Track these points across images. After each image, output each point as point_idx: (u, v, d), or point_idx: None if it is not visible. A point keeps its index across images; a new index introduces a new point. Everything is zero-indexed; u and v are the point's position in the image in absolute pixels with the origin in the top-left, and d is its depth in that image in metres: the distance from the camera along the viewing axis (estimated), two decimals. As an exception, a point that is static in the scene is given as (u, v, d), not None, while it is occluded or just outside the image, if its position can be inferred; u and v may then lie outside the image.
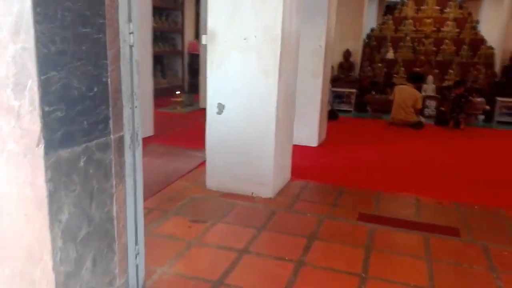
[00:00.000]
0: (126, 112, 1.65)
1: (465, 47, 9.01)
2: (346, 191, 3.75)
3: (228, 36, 3.33)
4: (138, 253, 1.81)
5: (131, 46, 1.59)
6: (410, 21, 9.50)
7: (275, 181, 3.57)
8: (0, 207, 1.24)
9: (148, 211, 2.88)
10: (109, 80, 1.51)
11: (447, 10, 9.37)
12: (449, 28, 9.22)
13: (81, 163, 1.46)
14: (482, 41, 8.99)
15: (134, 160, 1.75)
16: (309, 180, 4.01)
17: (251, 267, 2.25)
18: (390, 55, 9.42)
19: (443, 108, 7.60)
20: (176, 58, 10.86)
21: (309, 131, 5.20)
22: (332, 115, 6.82)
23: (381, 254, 2.45)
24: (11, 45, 1.13)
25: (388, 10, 10.81)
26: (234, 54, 3.34)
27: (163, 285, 2.07)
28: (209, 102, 3.54)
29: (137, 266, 1.81)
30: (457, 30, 9.21)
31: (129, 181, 1.73)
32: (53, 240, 1.34)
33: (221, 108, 3.49)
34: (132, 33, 1.58)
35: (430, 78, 8.53)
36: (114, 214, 1.66)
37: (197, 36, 10.91)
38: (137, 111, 1.71)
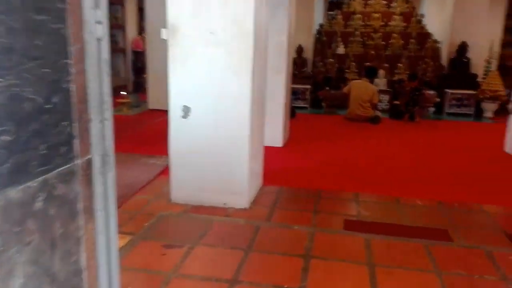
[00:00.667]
0: (95, 127, 1.25)
1: (412, 41, 9.20)
2: (323, 195, 3.51)
3: (192, 29, 2.94)
4: (115, 307, 1.41)
5: (99, 40, 1.19)
6: (359, 15, 9.54)
7: (250, 189, 3.25)
8: None
9: (110, 237, 2.43)
10: (72, 86, 1.11)
11: (394, 4, 9.52)
12: (396, 22, 9.38)
13: (39, 204, 1.04)
14: (428, 35, 9.23)
15: (105, 189, 1.35)
16: (282, 185, 3.73)
17: (245, 300, 1.92)
18: (341, 50, 9.41)
19: (397, 102, 7.68)
20: (118, 56, 10.13)
21: (273, 131, 4.92)
22: (290, 113, 6.60)
23: (389, 272, 2.20)
24: None
25: (335, 5, 10.82)
26: (200, 50, 2.96)
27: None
28: (173, 104, 3.12)
29: (114, 323, 1.41)
30: (404, 24, 9.38)
31: (100, 217, 1.33)
32: (5, 322, 0.93)
33: (186, 111, 3.09)
34: (100, 22, 1.17)
35: (381, 72, 8.60)
36: (83, 264, 1.25)
37: (141, 31, 10.26)
38: (108, 125, 1.31)
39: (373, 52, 9.16)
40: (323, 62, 9.26)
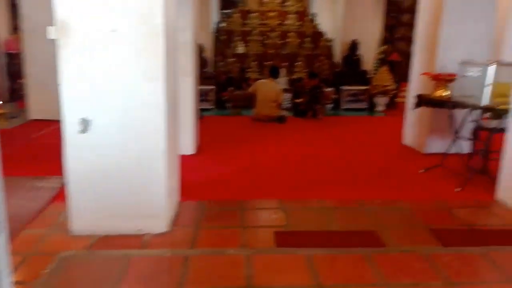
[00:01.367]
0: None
1: (307, 39, 9.44)
2: (246, 206, 3.27)
3: (89, 26, 2.44)
4: None
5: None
6: (256, 14, 9.50)
7: (169, 209, 2.86)
8: None
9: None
10: None
11: (288, 3, 9.67)
12: (291, 21, 9.53)
13: None
14: (320, 33, 9.56)
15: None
16: (201, 199, 3.39)
17: None
18: (241, 49, 9.28)
19: (298, 100, 7.79)
20: (-13, 59, 8.66)
21: (184, 138, 4.51)
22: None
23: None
24: None
25: (230, 3, 10.65)
26: (100, 51, 2.48)
27: None
28: (67, 117, 2.57)
29: None
30: (299, 23, 9.58)
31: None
32: None
33: (86, 124, 2.58)
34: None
35: (281, 71, 8.65)
36: None
37: (15, 31, 8.90)
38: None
39: (272, 51, 9.20)
40: (224, 62, 9.03)
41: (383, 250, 2.49)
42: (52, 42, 2.49)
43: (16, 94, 8.50)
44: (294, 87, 8.32)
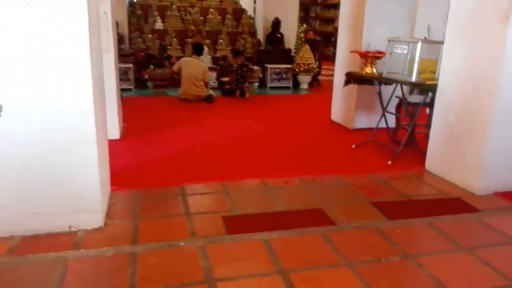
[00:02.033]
0: None
1: (229, 16, 9.20)
2: (187, 192, 3.06)
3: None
4: None
5: None
6: (173, -12, 9.00)
7: (103, 201, 2.55)
8: None
9: None
10: None
11: (206, -21, 9.30)
12: (211, -3, 9.21)
13: None
14: (242, 10, 9.37)
15: None
16: (135, 188, 3.11)
17: None
18: (159, 25, 8.74)
19: (225, 79, 7.59)
20: None
21: (109, 122, 4.10)
22: (117, 97, 5.75)
23: (304, 277, 1.92)
24: None
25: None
26: (7, 27, 2.06)
27: None
28: (-30, 102, 2.13)
29: None
30: (219, -1, 9.30)
31: None
32: None
33: (-4, 109, 2.16)
34: None
35: (205, 49, 8.34)
36: None
37: None
38: None
39: (193, 27, 8.81)
40: (142, 38, 8.44)
41: (336, 228, 2.46)
42: None
43: None
44: (220, 65, 8.09)
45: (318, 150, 4.28)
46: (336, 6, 11.90)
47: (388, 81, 4.05)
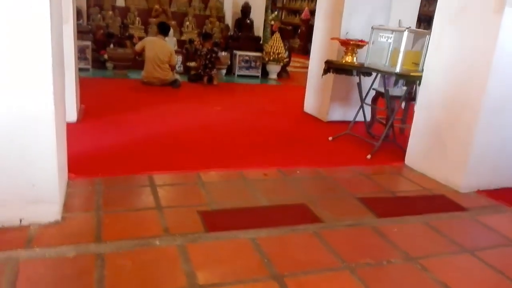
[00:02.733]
0: None
1: (196, -2, 8.78)
2: (156, 182, 2.75)
3: None
4: None
5: None
6: (135, -36, 8.42)
7: (60, 191, 2.19)
8: None
9: None
10: None
11: (173, -44, 8.78)
12: (177, -24, 8.71)
13: None
14: (210, -7, 8.96)
15: None
16: (96, 176, 2.75)
17: None
18: (121, 2, 8.17)
19: (192, 64, 7.21)
20: None
21: (66, 103, 3.66)
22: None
23: (302, 282, 1.69)
24: None
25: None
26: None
27: None
28: None
29: None
30: (186, -21, 8.82)
31: None
32: None
33: None
34: None
35: (171, 30, 7.89)
36: None
37: None
38: None
39: (158, 7, 8.31)
40: (101, 15, 7.84)
41: (328, 226, 2.25)
42: None
43: None
44: (186, 49, 7.68)
45: (294, 142, 4.07)
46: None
47: (371, 71, 3.90)
